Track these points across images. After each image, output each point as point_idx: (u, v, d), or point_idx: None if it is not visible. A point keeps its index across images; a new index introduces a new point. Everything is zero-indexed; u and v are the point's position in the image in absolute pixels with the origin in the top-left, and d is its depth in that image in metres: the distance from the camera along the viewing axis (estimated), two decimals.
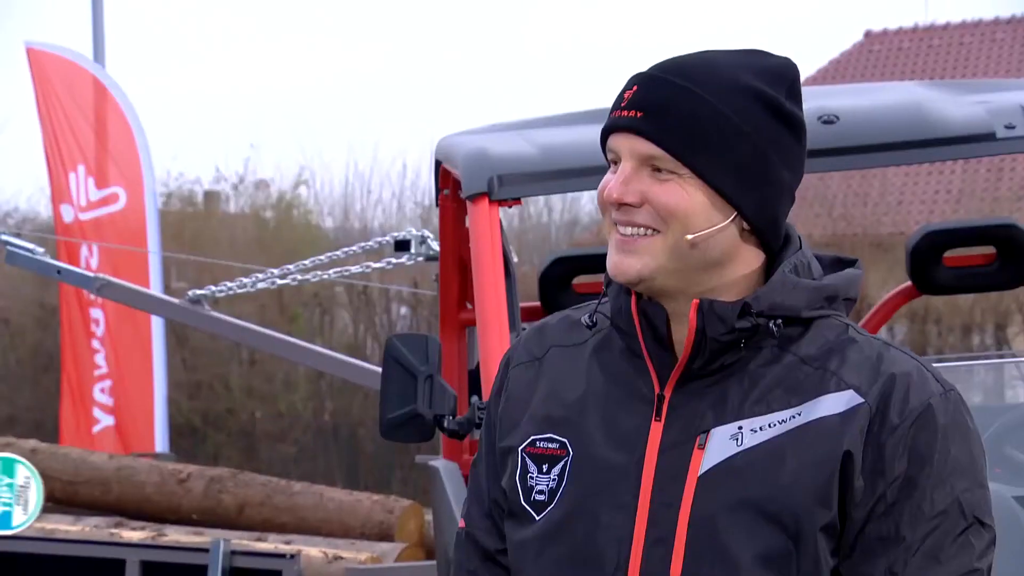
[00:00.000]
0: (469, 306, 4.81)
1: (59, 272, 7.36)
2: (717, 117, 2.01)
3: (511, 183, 3.91)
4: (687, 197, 2.01)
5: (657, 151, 2.02)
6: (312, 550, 5.99)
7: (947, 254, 5.15)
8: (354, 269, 7.22)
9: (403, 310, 15.76)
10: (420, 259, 6.26)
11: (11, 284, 16.92)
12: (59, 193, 11.75)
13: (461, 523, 2.22)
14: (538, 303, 5.31)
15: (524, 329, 5.10)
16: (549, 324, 2.21)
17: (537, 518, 2.08)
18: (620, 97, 2.06)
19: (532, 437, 2.11)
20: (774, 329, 2.02)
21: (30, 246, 7.19)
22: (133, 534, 6.39)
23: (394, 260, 6.46)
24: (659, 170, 2.02)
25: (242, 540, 6.10)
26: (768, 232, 2.05)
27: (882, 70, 23.86)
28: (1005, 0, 24.17)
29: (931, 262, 5.11)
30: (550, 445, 2.09)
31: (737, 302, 2.02)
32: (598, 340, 2.14)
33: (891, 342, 2.07)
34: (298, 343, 7.64)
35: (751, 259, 2.06)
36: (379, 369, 5.27)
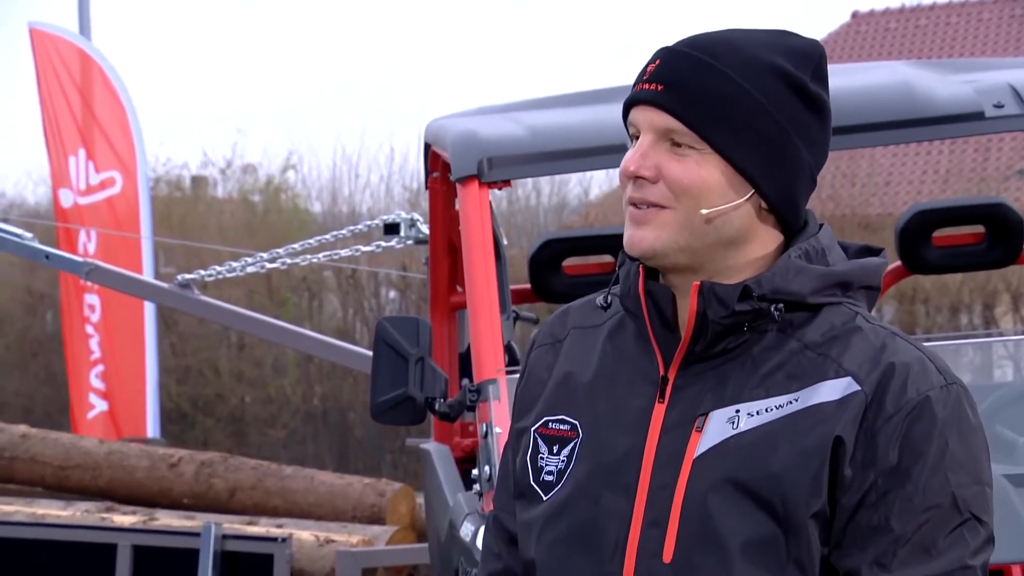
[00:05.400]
0: (459, 289, 4.81)
1: (47, 257, 7.33)
2: (739, 92, 1.99)
3: (501, 165, 3.90)
4: (703, 174, 1.99)
5: (675, 124, 1.99)
6: (303, 533, 5.99)
7: (936, 233, 5.15)
8: (343, 252, 7.21)
9: (392, 294, 15.74)
10: (409, 242, 6.25)
11: None
12: (59, 177, 11.66)
13: (490, 506, 2.20)
14: (528, 285, 5.31)
15: (514, 312, 5.12)
16: (573, 307, 2.20)
17: (544, 498, 2.07)
18: (643, 71, 2.04)
19: (545, 418, 2.11)
20: (775, 314, 2.00)
21: (19, 231, 7.16)
22: (124, 518, 6.38)
23: (384, 243, 6.44)
24: (678, 144, 2.00)
25: (233, 524, 6.10)
26: (787, 212, 2.03)
27: (869, 50, 23.87)
28: None
29: (920, 241, 5.12)
30: (562, 427, 2.09)
31: (738, 284, 2.00)
32: (614, 322, 2.12)
33: (900, 332, 2.03)
34: (287, 327, 7.62)
35: (768, 240, 2.04)
36: (368, 352, 5.27)
